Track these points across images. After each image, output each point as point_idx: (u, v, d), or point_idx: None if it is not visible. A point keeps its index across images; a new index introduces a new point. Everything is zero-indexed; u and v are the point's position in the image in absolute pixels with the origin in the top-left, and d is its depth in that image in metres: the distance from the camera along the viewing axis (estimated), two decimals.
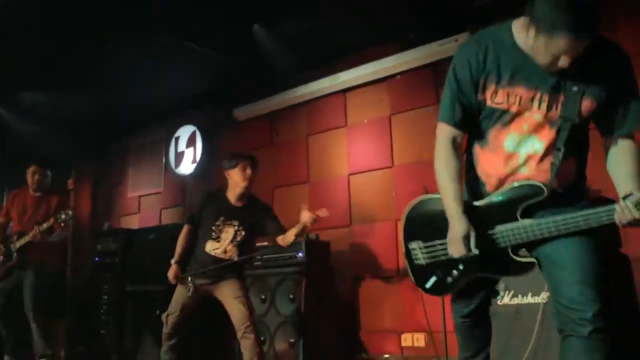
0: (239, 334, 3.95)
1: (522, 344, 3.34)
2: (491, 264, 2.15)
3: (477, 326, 2.41)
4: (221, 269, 4.04)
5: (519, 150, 2.08)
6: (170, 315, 4.09)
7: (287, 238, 4.06)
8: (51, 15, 4.69)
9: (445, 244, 2.19)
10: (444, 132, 2.21)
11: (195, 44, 5.16)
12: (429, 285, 2.31)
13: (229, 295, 4.04)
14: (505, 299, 3.51)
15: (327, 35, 5.28)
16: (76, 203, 8.09)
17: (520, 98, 2.03)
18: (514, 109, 2.05)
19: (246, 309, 3.99)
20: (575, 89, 1.97)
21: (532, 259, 2.08)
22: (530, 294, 3.43)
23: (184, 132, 7.11)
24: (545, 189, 2.03)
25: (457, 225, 2.12)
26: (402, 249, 2.44)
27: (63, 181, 7.97)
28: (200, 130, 6.95)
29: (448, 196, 2.17)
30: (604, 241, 2.02)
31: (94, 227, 7.99)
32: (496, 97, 2.07)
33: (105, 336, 6.06)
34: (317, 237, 5.19)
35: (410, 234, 2.38)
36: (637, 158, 2.01)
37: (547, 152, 2.05)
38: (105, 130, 7.86)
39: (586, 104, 1.99)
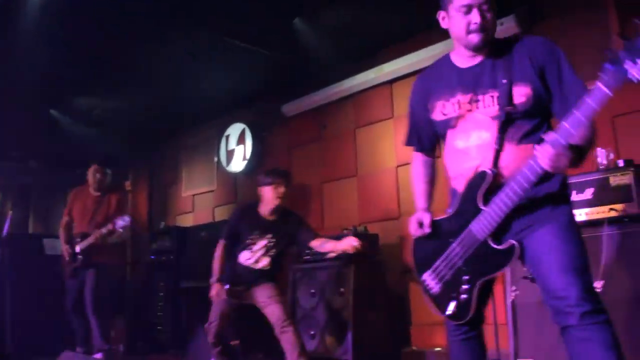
0: (277, 331, 3.98)
1: None
2: (484, 263, 2.19)
3: (472, 342, 2.40)
4: (254, 278, 4.20)
5: (469, 144, 2.23)
6: (211, 324, 4.22)
7: (326, 246, 4.20)
8: (99, 19, 4.82)
9: (445, 260, 2.30)
10: (414, 156, 2.59)
11: (237, 41, 5.19)
12: (449, 311, 2.31)
13: (262, 296, 4.13)
14: None
15: (369, 25, 5.22)
16: (134, 204, 8.36)
17: (459, 101, 2.24)
18: (457, 112, 2.25)
19: (281, 305, 4.06)
20: (504, 81, 2.14)
21: (511, 243, 2.12)
22: None
23: (234, 130, 7.20)
24: (488, 172, 2.14)
25: (415, 214, 2.43)
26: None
27: (120, 183, 8.23)
28: (249, 128, 7.02)
29: (415, 198, 2.52)
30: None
31: (151, 226, 8.22)
32: (445, 109, 2.29)
33: (162, 331, 6.22)
34: (366, 230, 5.15)
35: (420, 268, 2.44)
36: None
37: (493, 140, 2.16)
38: (157, 131, 8.07)
39: (520, 91, 2.13)
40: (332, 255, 4.33)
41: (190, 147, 8.00)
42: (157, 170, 8.56)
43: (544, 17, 4.64)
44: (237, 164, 7.08)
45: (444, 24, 2.29)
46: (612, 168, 3.50)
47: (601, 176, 3.47)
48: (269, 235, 4.25)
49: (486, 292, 2.34)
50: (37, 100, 6.50)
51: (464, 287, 2.24)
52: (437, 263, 2.33)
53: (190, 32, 5.19)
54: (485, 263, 2.19)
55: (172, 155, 8.29)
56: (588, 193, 3.51)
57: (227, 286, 4.20)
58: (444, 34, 5.26)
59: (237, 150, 7.11)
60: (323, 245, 4.21)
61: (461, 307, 2.26)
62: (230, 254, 4.33)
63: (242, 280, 4.22)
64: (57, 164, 8.51)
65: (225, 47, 5.43)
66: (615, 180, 3.42)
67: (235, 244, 4.34)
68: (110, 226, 5.13)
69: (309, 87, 6.27)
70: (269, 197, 4.29)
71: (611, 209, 3.37)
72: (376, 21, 5.17)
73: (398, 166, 5.49)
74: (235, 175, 7.18)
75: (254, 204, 4.42)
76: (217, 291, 4.17)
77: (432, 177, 2.55)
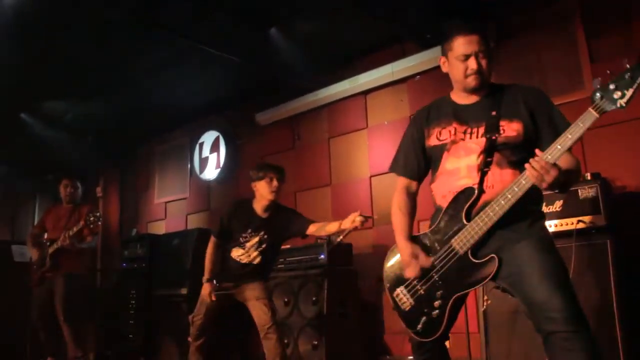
0: (261, 335, 4.01)
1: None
2: (461, 278, 2.26)
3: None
4: (244, 273, 4.14)
5: (459, 165, 2.36)
6: (196, 317, 4.18)
7: (327, 228, 4.03)
8: (72, 24, 4.80)
9: (420, 277, 2.36)
10: (399, 182, 2.62)
11: (213, 49, 5.19)
12: (420, 326, 2.35)
13: (251, 297, 4.11)
14: None
15: (344, 36, 5.30)
16: (105, 210, 8.25)
17: (456, 129, 2.40)
18: (452, 138, 2.40)
19: (268, 309, 4.04)
20: (493, 113, 2.32)
21: (491, 255, 2.20)
22: None
23: (208, 137, 7.20)
24: (473, 189, 2.26)
25: (403, 250, 2.44)
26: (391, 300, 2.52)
27: (91, 189, 8.14)
28: (223, 136, 7.02)
29: (395, 231, 2.53)
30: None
31: (122, 233, 8.14)
32: (441, 135, 2.44)
33: (134, 340, 6.16)
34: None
35: (392, 284, 2.51)
36: (569, 159, 2.21)
37: (481, 163, 2.29)
38: (130, 137, 8.01)
39: (511, 126, 2.28)
40: (340, 238, 4.16)
41: (163, 153, 7.96)
42: (129, 177, 8.49)
43: (513, 32, 4.76)
44: (211, 172, 7.07)
45: (444, 68, 2.48)
46: (580, 181, 3.61)
47: (570, 189, 3.57)
48: (262, 233, 4.17)
49: (456, 311, 2.38)
50: (6, 104, 6.40)
51: (437, 302, 2.30)
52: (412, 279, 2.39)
53: (166, 40, 5.18)
54: (462, 278, 2.25)
55: (144, 162, 8.24)
56: (557, 205, 3.61)
57: (216, 284, 4.13)
58: (419, 46, 5.31)
59: (211, 158, 7.10)
60: (323, 229, 4.05)
61: (431, 323, 2.32)
62: (221, 251, 4.25)
63: (232, 275, 4.16)
64: (25, 169, 8.35)
65: (200, 55, 5.42)
66: (583, 192, 3.54)
67: (228, 241, 4.24)
68: (81, 222, 5.05)
69: (283, 96, 6.30)
70: (263, 192, 4.18)
71: (579, 221, 3.48)
72: (351, 32, 5.24)
73: (372, 176, 5.55)
74: (208, 183, 7.17)
75: (248, 201, 4.31)
76: (208, 291, 4.10)
77: (414, 209, 2.59)
